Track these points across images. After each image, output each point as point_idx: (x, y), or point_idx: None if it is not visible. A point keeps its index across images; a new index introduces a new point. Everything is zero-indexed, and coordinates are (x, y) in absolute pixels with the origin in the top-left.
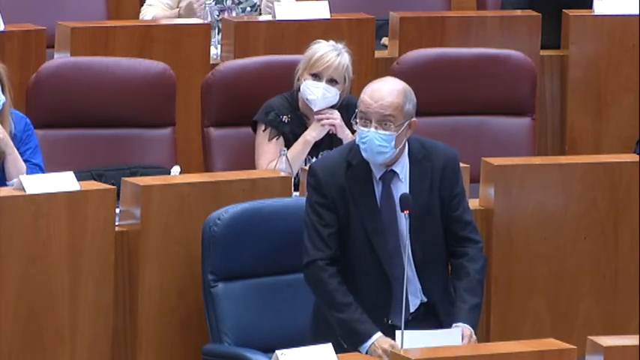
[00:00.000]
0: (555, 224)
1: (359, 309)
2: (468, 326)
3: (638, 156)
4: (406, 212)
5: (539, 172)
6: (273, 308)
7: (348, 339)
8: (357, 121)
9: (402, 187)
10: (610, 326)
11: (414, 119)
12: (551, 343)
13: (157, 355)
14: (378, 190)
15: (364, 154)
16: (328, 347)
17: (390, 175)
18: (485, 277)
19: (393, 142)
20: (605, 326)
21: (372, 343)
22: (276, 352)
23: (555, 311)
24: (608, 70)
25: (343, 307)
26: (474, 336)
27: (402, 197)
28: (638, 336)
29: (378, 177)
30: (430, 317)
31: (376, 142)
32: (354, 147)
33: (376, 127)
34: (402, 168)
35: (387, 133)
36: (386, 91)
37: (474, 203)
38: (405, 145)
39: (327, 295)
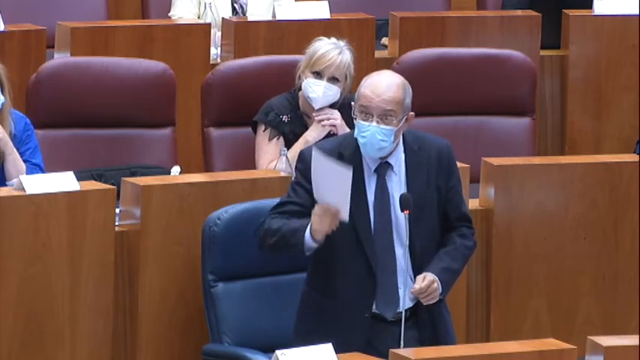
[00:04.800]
0: (555, 224)
1: (291, 219)
2: (433, 274)
3: (638, 156)
4: (406, 212)
5: (539, 172)
6: (274, 308)
7: (293, 244)
8: (357, 114)
9: (396, 179)
10: (610, 326)
11: (411, 113)
12: (551, 343)
13: (157, 355)
14: (369, 182)
15: (363, 149)
16: (328, 347)
17: (384, 166)
18: (485, 277)
19: (393, 137)
20: (605, 326)
21: (309, 224)
22: (276, 352)
23: (555, 311)
24: (608, 70)
25: (278, 227)
26: (436, 285)
27: (402, 197)
28: (638, 336)
29: (372, 169)
30: (424, 311)
31: (378, 137)
32: (347, 138)
33: (378, 122)
34: (396, 160)
35: (389, 127)
36: (386, 86)
37: (474, 203)
38: (400, 138)
39: (266, 234)
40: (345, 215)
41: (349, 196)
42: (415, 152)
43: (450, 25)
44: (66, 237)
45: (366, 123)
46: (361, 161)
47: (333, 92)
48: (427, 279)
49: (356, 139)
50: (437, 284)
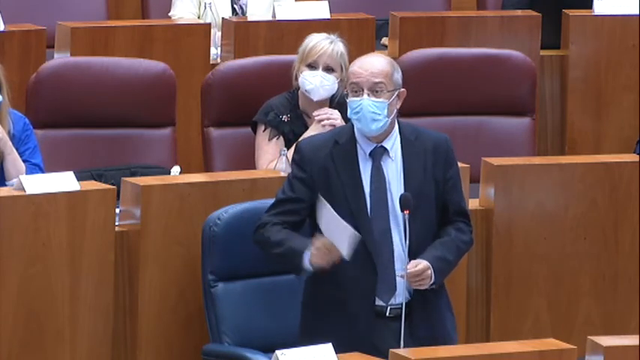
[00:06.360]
0: (555, 224)
1: (292, 233)
2: (427, 261)
3: (638, 156)
4: (406, 212)
5: (539, 172)
6: (274, 308)
7: (291, 264)
8: (349, 93)
9: (392, 165)
10: (610, 326)
11: (402, 89)
12: (551, 343)
13: (157, 355)
14: (364, 168)
15: (358, 126)
16: (328, 347)
17: (379, 150)
18: (485, 277)
19: (386, 110)
20: (605, 326)
21: (310, 250)
22: (276, 352)
23: (555, 311)
24: (608, 70)
25: (280, 241)
26: (429, 272)
27: (402, 197)
28: (638, 336)
29: (367, 153)
30: (421, 307)
31: (369, 109)
32: (343, 128)
33: (368, 95)
34: (393, 145)
35: (380, 100)
36: (374, 60)
37: (474, 203)
38: (395, 121)
39: (266, 242)
40: (345, 254)
41: (353, 243)
42: (411, 142)
43: (450, 25)
44: (66, 237)
45: (357, 98)
46: (356, 148)
47: (330, 82)
48: (422, 264)
49: (351, 128)
50: (430, 271)
